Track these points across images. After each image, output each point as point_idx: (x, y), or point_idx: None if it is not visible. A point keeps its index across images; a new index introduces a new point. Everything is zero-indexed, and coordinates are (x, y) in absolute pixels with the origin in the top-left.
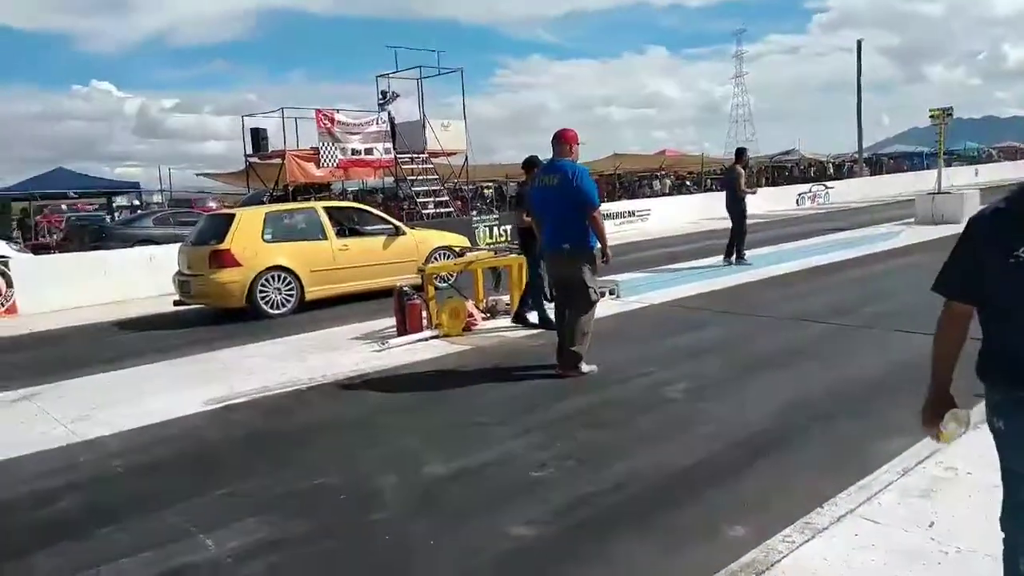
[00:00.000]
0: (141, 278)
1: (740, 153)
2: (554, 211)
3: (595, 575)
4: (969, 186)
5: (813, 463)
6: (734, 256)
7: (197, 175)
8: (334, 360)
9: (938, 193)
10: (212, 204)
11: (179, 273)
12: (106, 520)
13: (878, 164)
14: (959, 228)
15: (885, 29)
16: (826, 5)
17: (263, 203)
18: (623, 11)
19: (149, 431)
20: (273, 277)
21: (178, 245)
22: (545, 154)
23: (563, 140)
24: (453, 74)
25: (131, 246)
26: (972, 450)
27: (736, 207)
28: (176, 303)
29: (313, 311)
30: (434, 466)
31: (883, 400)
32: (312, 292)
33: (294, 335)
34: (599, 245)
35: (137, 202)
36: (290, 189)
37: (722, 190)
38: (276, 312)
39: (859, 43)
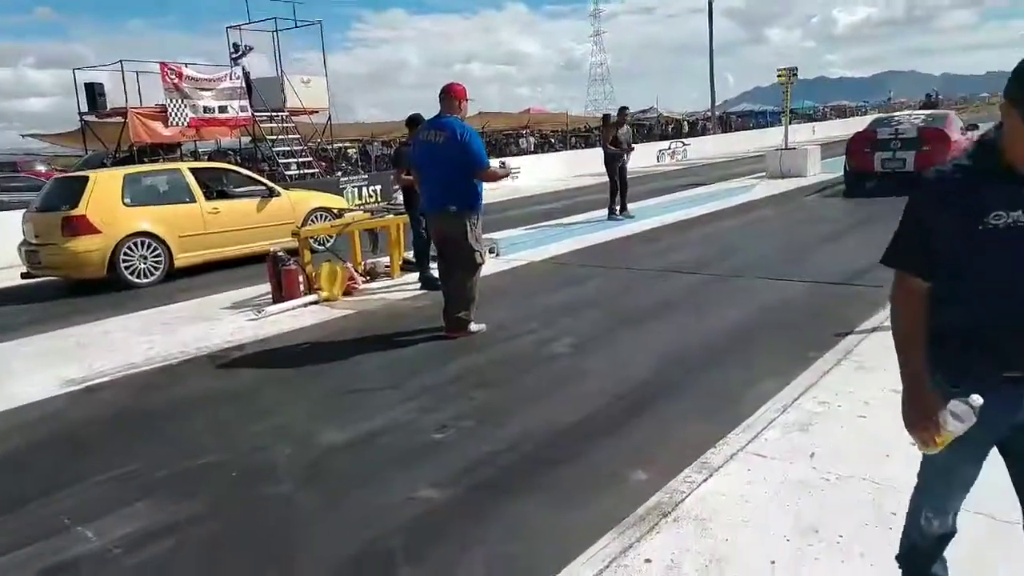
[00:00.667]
0: None
1: (620, 111)
2: (439, 170)
3: (502, 535)
4: (809, 142)
5: (699, 409)
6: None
7: (24, 136)
8: (207, 331)
9: (785, 149)
10: (41, 167)
11: (25, 243)
12: None
13: (728, 122)
14: (806, 181)
15: None
16: None
17: (103, 165)
18: None
19: (2, 419)
20: (137, 244)
21: (9, 213)
22: (410, 110)
23: (451, 95)
24: (311, 27)
25: None
26: (842, 385)
27: (610, 163)
28: (24, 275)
29: (183, 279)
30: (326, 435)
31: (755, 345)
32: (181, 259)
33: (162, 306)
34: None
35: None
36: (135, 150)
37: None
38: (142, 281)
39: (710, 3)
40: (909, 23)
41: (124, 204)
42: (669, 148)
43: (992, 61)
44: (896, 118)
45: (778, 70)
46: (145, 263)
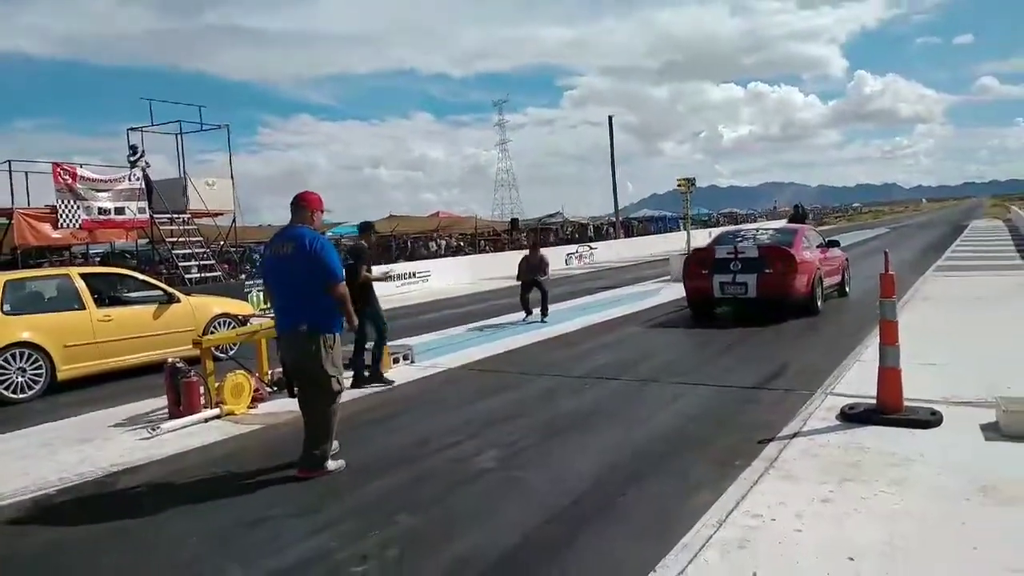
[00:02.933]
0: None
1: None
2: (289, 285)
3: None
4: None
5: (635, 528)
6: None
7: None
8: (92, 453)
9: (687, 254)
10: None
11: None
12: None
13: (630, 227)
14: None
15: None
16: (575, 83)
17: None
18: (391, 75)
19: None
20: (15, 356)
21: None
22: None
23: (302, 203)
24: (217, 131)
25: None
26: (772, 496)
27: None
28: None
29: (72, 392)
30: (233, 572)
31: (683, 454)
32: (66, 371)
33: (39, 424)
34: (346, 324)
35: None
36: (19, 253)
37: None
38: (19, 396)
39: (610, 118)
40: (786, 140)
41: (2, 312)
42: (576, 252)
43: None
44: (741, 233)
45: (678, 180)
46: (23, 376)
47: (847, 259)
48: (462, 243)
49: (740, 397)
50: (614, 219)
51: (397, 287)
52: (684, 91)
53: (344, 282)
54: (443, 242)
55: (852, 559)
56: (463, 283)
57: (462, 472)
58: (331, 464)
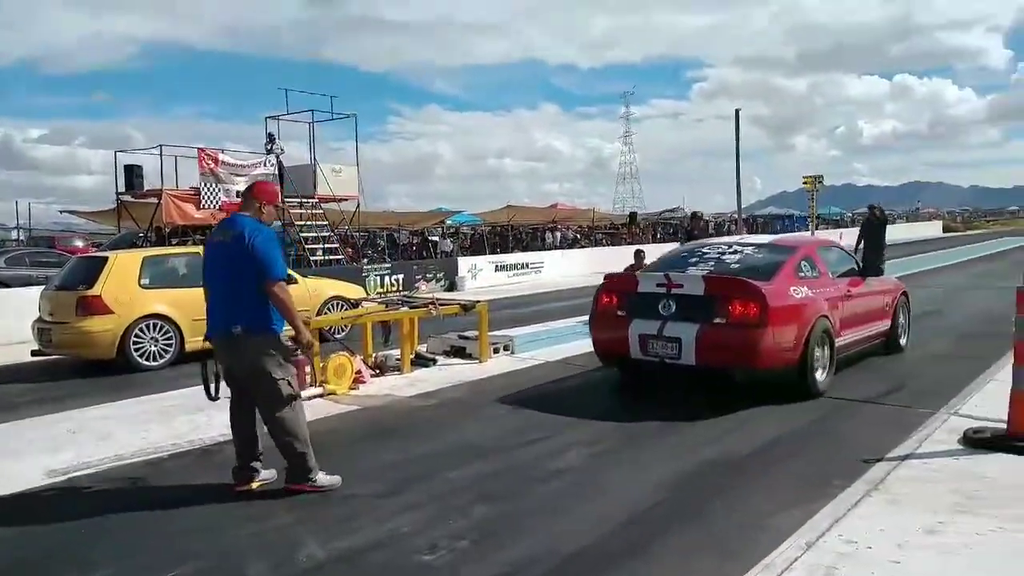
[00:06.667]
0: None
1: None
2: (223, 280)
3: None
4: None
5: (715, 541)
6: None
7: (61, 212)
8: (204, 422)
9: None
10: (79, 243)
11: (39, 320)
12: None
13: (754, 224)
14: None
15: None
16: (705, 75)
17: (135, 244)
18: (518, 67)
19: None
20: (149, 326)
21: (34, 288)
22: (441, 200)
23: (251, 194)
24: (347, 119)
25: None
26: (872, 522)
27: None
28: (34, 353)
29: (192, 364)
30: (310, 548)
31: (777, 467)
32: (193, 343)
33: (162, 392)
34: (287, 328)
35: None
36: (166, 231)
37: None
38: (151, 364)
39: (737, 111)
40: (934, 137)
41: (140, 286)
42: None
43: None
44: (701, 251)
45: (804, 177)
46: (156, 346)
47: (904, 293)
48: (579, 235)
49: (848, 411)
50: (736, 216)
51: (508, 277)
52: (822, 83)
53: (282, 281)
54: (559, 234)
55: None
56: (575, 276)
57: (542, 468)
58: (323, 478)
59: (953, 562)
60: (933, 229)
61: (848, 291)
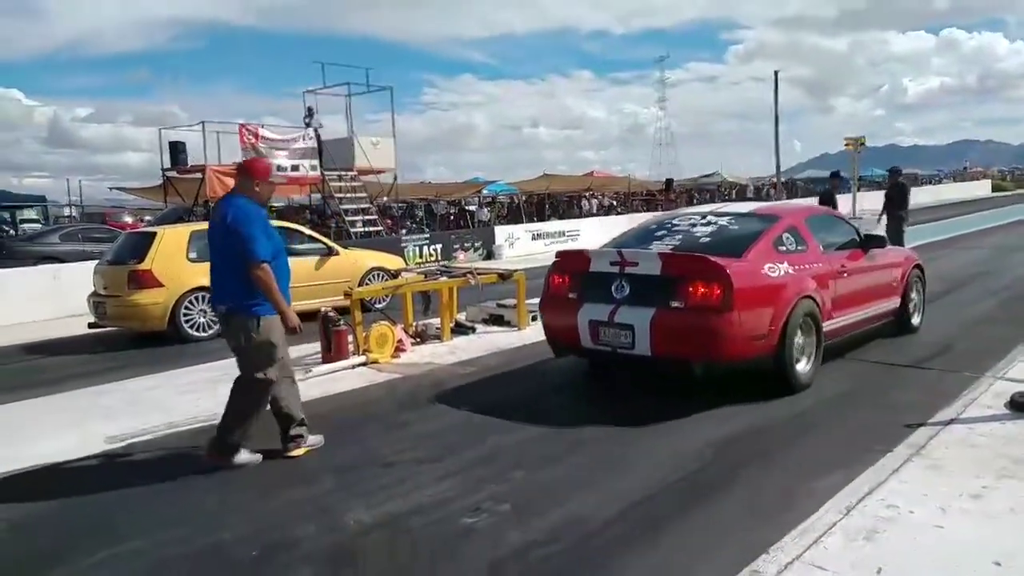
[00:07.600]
0: (44, 298)
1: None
2: (214, 261)
3: None
4: (877, 211)
5: (754, 505)
6: None
7: (111, 188)
8: None
9: (853, 218)
10: (128, 219)
11: (94, 294)
12: None
13: (793, 188)
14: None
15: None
16: (741, 36)
17: (181, 219)
18: (551, 35)
19: (33, 477)
20: (198, 298)
21: (87, 263)
22: (476, 171)
23: (243, 171)
24: (382, 92)
25: (34, 263)
26: (914, 487)
27: None
28: (91, 325)
29: None
30: (356, 512)
31: (818, 431)
32: None
33: (212, 362)
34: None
35: (40, 216)
36: (211, 205)
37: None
38: (201, 335)
39: (776, 73)
40: (983, 92)
41: (189, 259)
42: None
43: None
44: (668, 222)
45: (845, 138)
46: (205, 317)
47: (917, 265)
48: (615, 203)
49: (891, 375)
50: (775, 180)
51: (545, 246)
52: (863, 41)
53: (264, 264)
54: (595, 201)
55: (999, 563)
56: None
57: (582, 435)
58: (244, 455)
59: (998, 527)
60: (982, 188)
61: (843, 266)
